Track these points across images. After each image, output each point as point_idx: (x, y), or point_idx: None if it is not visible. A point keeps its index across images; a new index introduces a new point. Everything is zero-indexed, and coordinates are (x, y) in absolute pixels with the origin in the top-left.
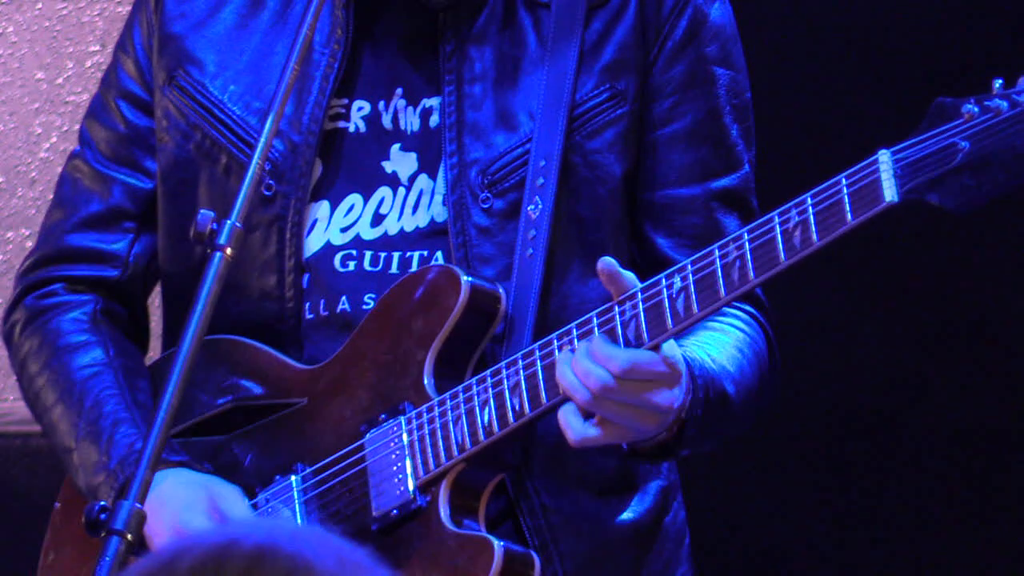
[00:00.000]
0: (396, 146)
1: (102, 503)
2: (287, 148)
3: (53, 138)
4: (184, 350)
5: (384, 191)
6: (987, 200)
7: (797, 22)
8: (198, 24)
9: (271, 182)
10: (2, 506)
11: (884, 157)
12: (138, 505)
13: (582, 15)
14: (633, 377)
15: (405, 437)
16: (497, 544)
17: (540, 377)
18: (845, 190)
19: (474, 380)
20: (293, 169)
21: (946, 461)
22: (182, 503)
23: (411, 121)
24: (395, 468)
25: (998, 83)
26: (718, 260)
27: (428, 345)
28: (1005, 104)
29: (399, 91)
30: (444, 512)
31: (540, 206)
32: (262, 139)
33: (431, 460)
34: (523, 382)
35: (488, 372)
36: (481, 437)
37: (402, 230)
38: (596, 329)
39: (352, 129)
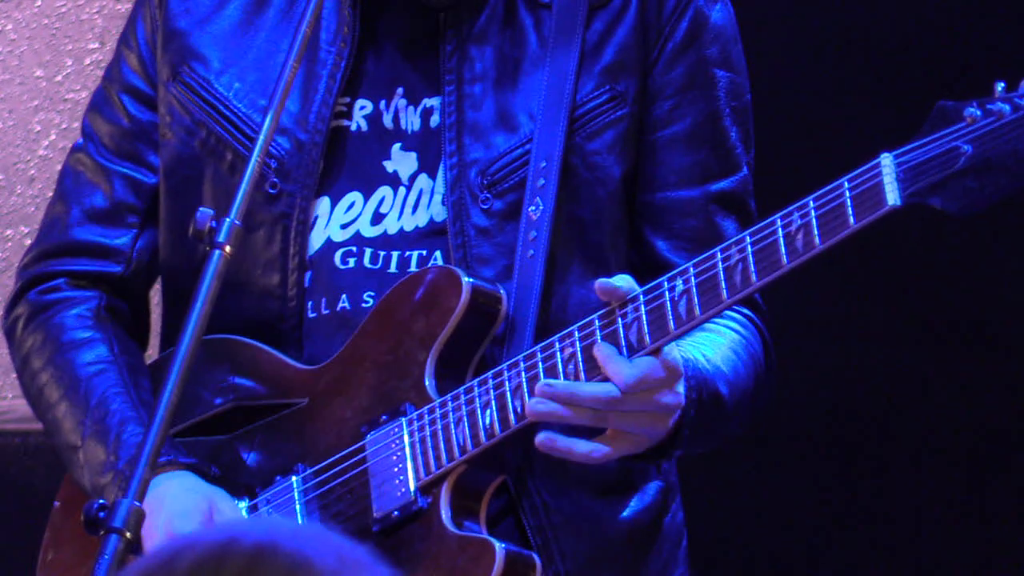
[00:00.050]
0: (397, 145)
1: (101, 501)
2: (293, 146)
3: (52, 136)
4: (183, 349)
5: (384, 190)
6: (989, 203)
7: (799, 24)
8: (203, 20)
9: (276, 180)
10: (1, 504)
11: (886, 160)
12: (137, 503)
13: (583, 16)
14: (641, 389)
15: (406, 438)
16: (498, 546)
17: (542, 379)
18: (847, 193)
19: (475, 382)
20: (299, 168)
21: (946, 462)
22: (179, 509)
23: (412, 121)
24: (396, 469)
25: (1000, 86)
26: (720, 263)
27: (429, 346)
28: (1007, 107)
29: (400, 90)
30: (445, 514)
31: (541, 207)
32: (261, 136)
33: (432, 461)
34: (524, 384)
35: (490, 374)
36: (483, 439)
37: (401, 229)
38: (598, 332)
39: (354, 128)
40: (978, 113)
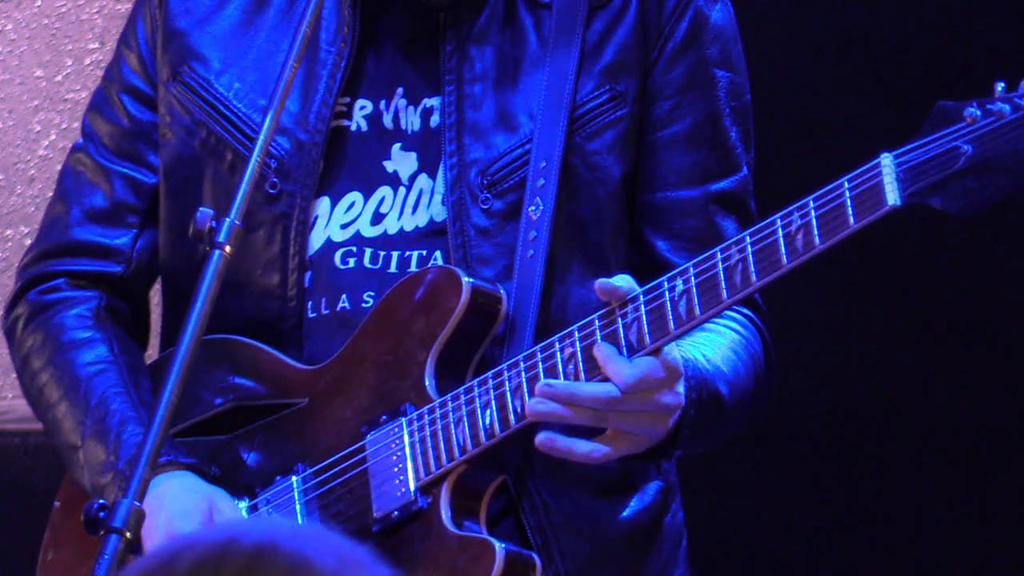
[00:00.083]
0: (397, 145)
1: (101, 501)
2: (293, 146)
3: (52, 136)
4: (183, 349)
5: (384, 190)
6: (989, 203)
7: (799, 24)
8: (203, 20)
9: (276, 180)
10: (1, 504)
11: (886, 160)
12: (137, 503)
13: (583, 16)
14: (641, 389)
15: (406, 438)
16: (498, 546)
17: (542, 379)
18: (847, 193)
19: (475, 382)
20: (299, 168)
21: (946, 462)
22: (179, 509)
23: (412, 121)
24: (396, 469)
25: (1000, 86)
26: (720, 263)
27: (429, 346)
28: (1007, 107)
29: (400, 90)
30: (445, 514)
31: (541, 207)
32: (261, 136)
33: (432, 461)
34: (524, 384)
35: (490, 374)
36: (483, 439)
37: (401, 229)
38: (598, 332)
39: (354, 128)
40: (978, 113)
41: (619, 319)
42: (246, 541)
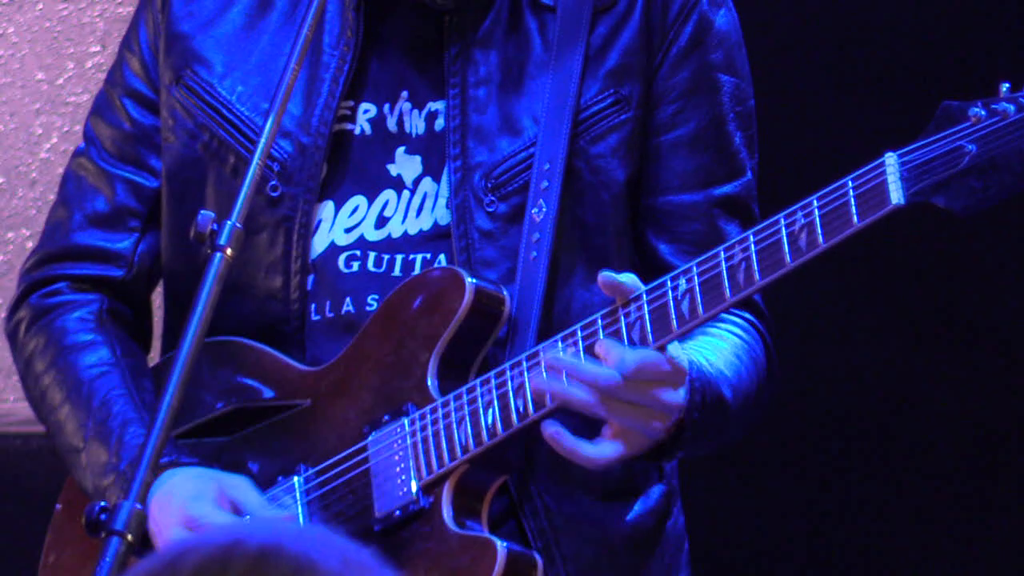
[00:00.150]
0: (401, 149)
1: (102, 504)
2: (296, 150)
3: (54, 139)
4: (184, 351)
5: (388, 194)
6: (993, 203)
7: (803, 25)
8: (206, 24)
9: (277, 183)
10: (2, 506)
11: (890, 160)
12: (138, 505)
13: (587, 19)
14: (641, 377)
15: (408, 438)
16: (500, 545)
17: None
18: (851, 192)
19: (478, 381)
20: (302, 171)
21: (946, 463)
22: (190, 493)
23: (416, 124)
24: (398, 469)
25: (1005, 87)
26: (723, 262)
27: (432, 347)
28: (1012, 108)
29: (404, 94)
30: (447, 513)
31: (544, 209)
32: (262, 139)
33: (434, 461)
34: (527, 383)
35: (492, 373)
36: (485, 438)
37: (405, 233)
38: (601, 331)
39: (358, 131)
40: (983, 113)
41: (622, 318)
42: (251, 543)
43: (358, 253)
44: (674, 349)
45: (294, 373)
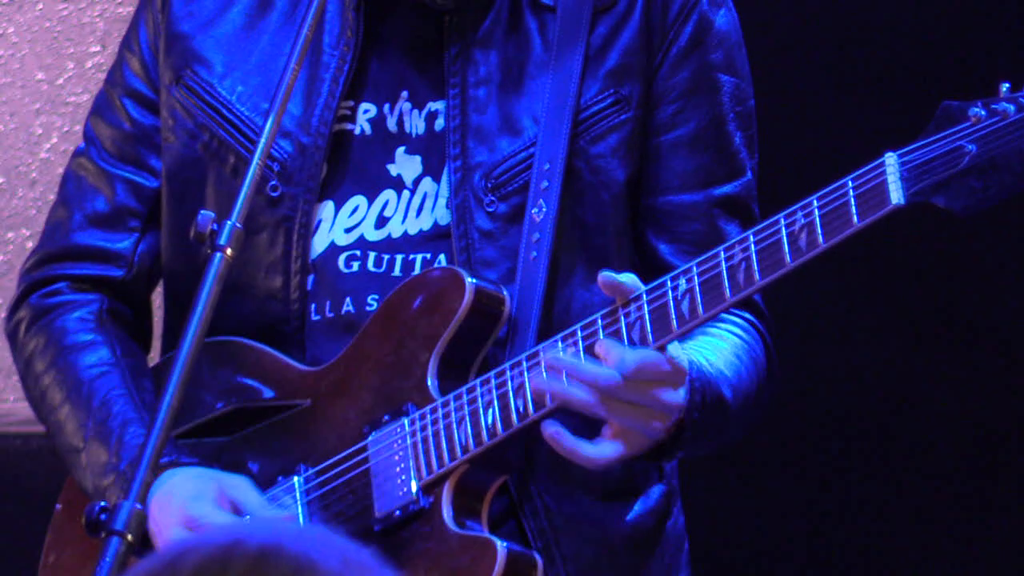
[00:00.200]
0: (401, 149)
1: (102, 504)
2: (296, 150)
3: (54, 139)
4: (184, 350)
5: (388, 194)
6: (993, 203)
7: (804, 25)
8: (206, 24)
9: (277, 183)
10: (2, 506)
11: (890, 160)
12: (138, 505)
13: (587, 19)
14: (641, 377)
15: (408, 438)
16: (500, 545)
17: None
18: (851, 192)
19: (478, 381)
20: (302, 171)
21: (946, 463)
22: (190, 493)
23: (416, 124)
24: (398, 469)
25: (1005, 87)
26: (723, 262)
27: (432, 347)
28: (1012, 108)
29: (404, 94)
30: (447, 513)
31: (544, 209)
32: (262, 139)
33: (434, 461)
34: (527, 383)
35: (492, 373)
36: (485, 438)
37: (405, 233)
38: (601, 331)
39: (358, 131)
40: (983, 113)
41: (622, 318)
42: (251, 543)
43: (358, 253)
44: (674, 349)
45: (294, 373)
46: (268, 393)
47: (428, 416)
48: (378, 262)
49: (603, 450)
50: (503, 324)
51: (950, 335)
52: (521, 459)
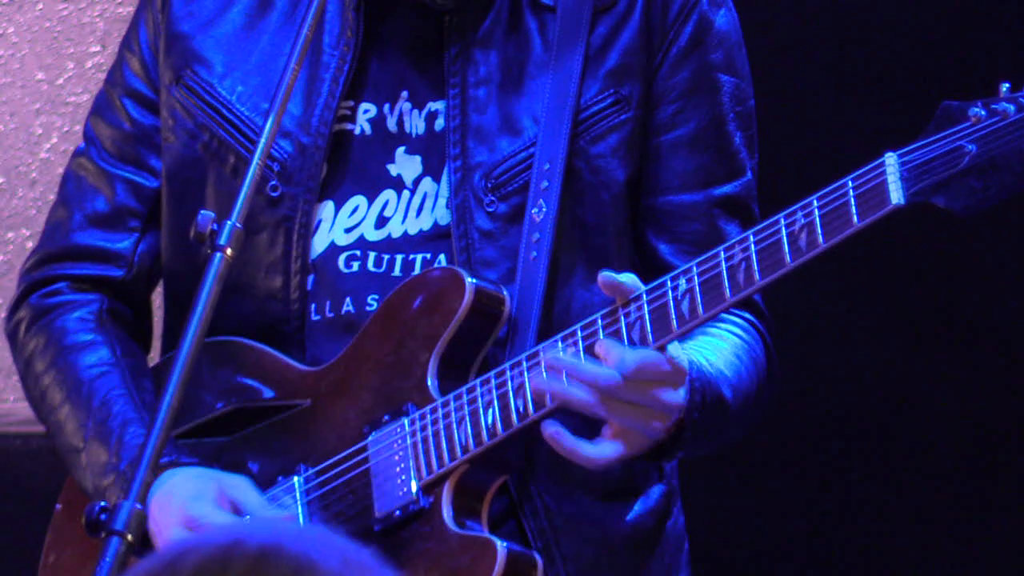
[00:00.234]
0: (401, 149)
1: (102, 504)
2: (296, 150)
3: (54, 139)
4: (184, 350)
5: (388, 194)
6: (993, 203)
7: (804, 25)
8: (206, 24)
9: (277, 183)
10: (2, 506)
11: (890, 160)
12: (138, 505)
13: (587, 19)
14: (641, 377)
15: (408, 438)
16: (500, 545)
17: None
18: (851, 192)
19: (478, 381)
20: (302, 171)
21: (946, 463)
22: (190, 493)
23: (416, 124)
24: (398, 469)
25: (1005, 87)
26: (723, 262)
27: (432, 347)
28: (1012, 108)
29: (404, 94)
30: (447, 513)
31: (544, 209)
32: (262, 139)
33: (434, 461)
34: (527, 383)
35: (492, 373)
36: (485, 438)
37: (406, 233)
38: (601, 331)
39: (358, 132)
40: (983, 113)
41: (622, 318)
42: (251, 543)
43: (358, 253)
44: (674, 349)
45: (294, 373)
46: (268, 393)
47: (428, 416)
48: (378, 262)
49: (603, 450)
50: (503, 324)
51: (950, 335)
52: (521, 459)
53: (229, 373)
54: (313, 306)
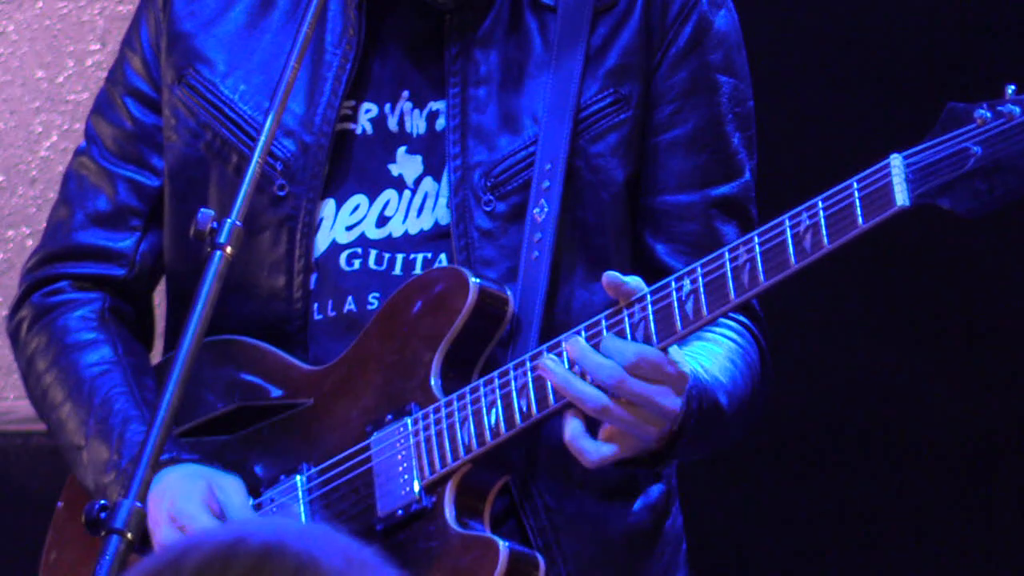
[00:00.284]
0: (402, 149)
1: (102, 502)
2: (299, 149)
3: (54, 137)
4: (185, 348)
5: (389, 193)
6: (999, 205)
7: (807, 26)
8: (208, 23)
9: (283, 182)
10: (2, 506)
11: (896, 161)
12: (138, 504)
13: (588, 19)
14: (641, 373)
15: (411, 438)
16: (502, 545)
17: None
18: (856, 194)
19: (481, 381)
20: (305, 170)
21: (945, 464)
22: (180, 492)
23: (417, 124)
24: (401, 469)
25: (1010, 88)
26: (728, 263)
27: (435, 346)
28: (1017, 109)
29: (406, 94)
30: (450, 513)
31: (546, 209)
32: (262, 138)
33: (437, 461)
34: (531, 384)
35: (495, 373)
36: (488, 438)
37: (406, 232)
38: (605, 331)
39: (359, 131)
40: (988, 115)
41: (626, 318)
42: (253, 541)
43: (359, 251)
44: (676, 354)
45: (297, 372)
46: (271, 392)
47: (431, 416)
48: (379, 260)
49: (599, 448)
50: (507, 324)
51: (950, 335)
52: (523, 459)
53: (231, 372)
54: (316, 305)
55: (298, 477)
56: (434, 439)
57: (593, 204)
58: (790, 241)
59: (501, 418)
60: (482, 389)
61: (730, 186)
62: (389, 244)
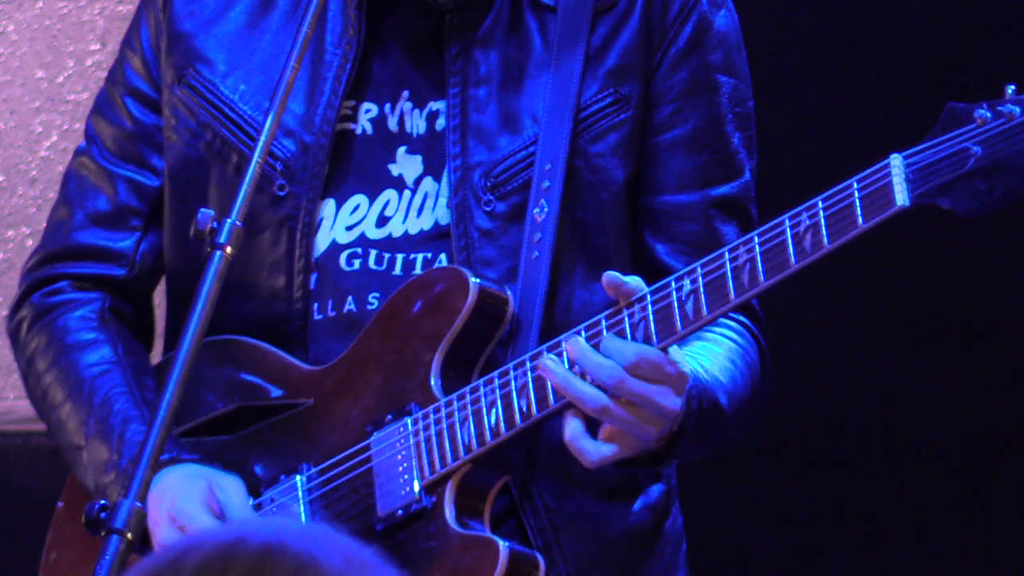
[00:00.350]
0: (402, 149)
1: (102, 502)
2: (299, 149)
3: (53, 137)
4: (184, 348)
5: (389, 193)
6: (999, 205)
7: (808, 26)
8: (208, 23)
9: (283, 182)
10: (2, 506)
11: (896, 161)
12: (138, 504)
13: (588, 19)
14: (641, 373)
15: (411, 438)
16: (502, 545)
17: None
18: (856, 194)
19: (481, 381)
20: (305, 170)
21: (945, 464)
22: (180, 492)
23: (417, 124)
24: (401, 469)
25: (1010, 88)
26: (728, 263)
27: (435, 346)
28: (1017, 109)
29: (406, 94)
30: (450, 513)
31: (546, 209)
32: (261, 138)
33: (437, 461)
34: (531, 384)
35: (495, 373)
36: (488, 438)
37: (406, 232)
38: (605, 331)
39: (359, 131)
40: (988, 115)
41: (626, 318)
42: (253, 541)
43: (359, 251)
44: (676, 354)
45: (297, 372)
46: (271, 392)
47: (431, 416)
48: (379, 260)
49: (600, 449)
50: (507, 324)
51: (950, 335)
52: (523, 459)
53: (231, 372)
54: (316, 305)
55: (298, 477)
56: (434, 439)
57: (593, 204)
58: (790, 241)
59: (501, 418)
60: (482, 389)
61: (730, 186)
62: (389, 244)
